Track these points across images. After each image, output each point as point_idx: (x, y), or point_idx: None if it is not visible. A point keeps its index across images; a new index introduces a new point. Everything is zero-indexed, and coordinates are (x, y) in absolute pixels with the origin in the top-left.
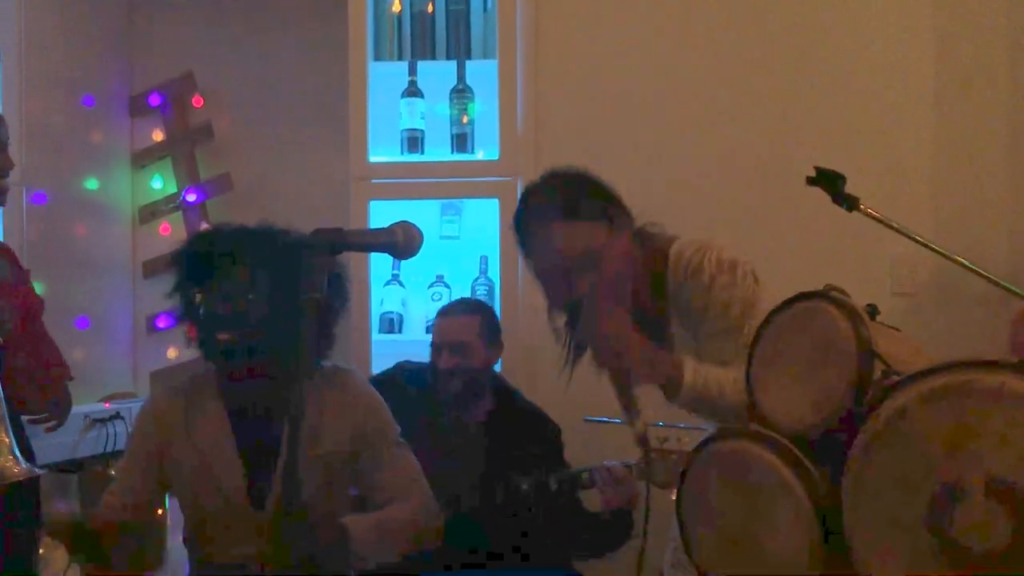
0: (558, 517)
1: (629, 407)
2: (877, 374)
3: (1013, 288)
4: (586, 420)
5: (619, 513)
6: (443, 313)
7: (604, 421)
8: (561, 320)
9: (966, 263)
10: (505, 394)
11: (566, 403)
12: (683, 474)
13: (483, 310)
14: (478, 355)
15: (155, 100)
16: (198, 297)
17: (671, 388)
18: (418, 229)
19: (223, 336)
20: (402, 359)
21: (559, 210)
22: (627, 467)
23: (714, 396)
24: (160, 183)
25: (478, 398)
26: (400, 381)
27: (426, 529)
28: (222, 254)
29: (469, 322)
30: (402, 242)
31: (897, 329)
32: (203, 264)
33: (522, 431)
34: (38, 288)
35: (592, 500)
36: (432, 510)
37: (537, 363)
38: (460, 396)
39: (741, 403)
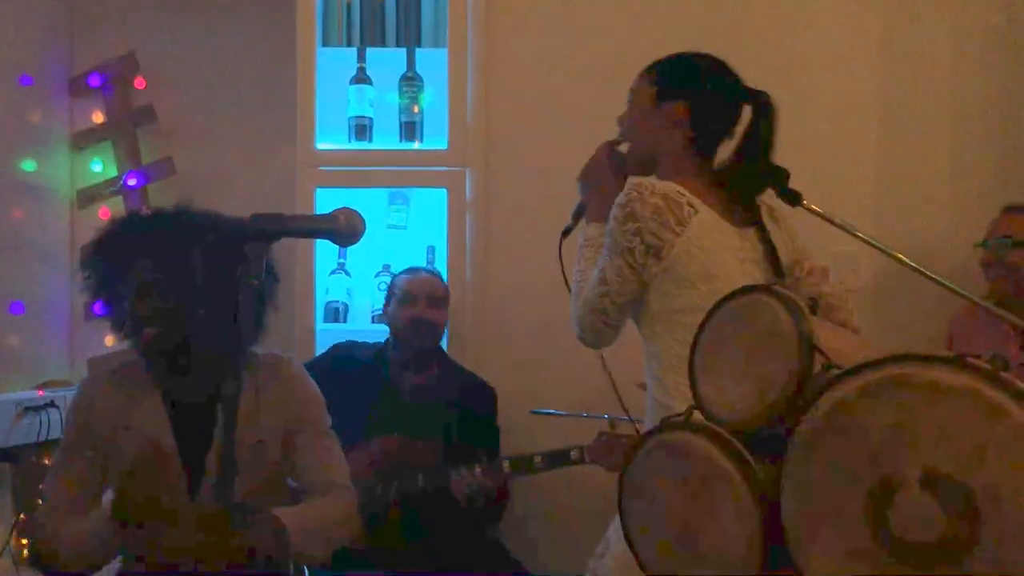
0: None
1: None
2: (818, 367)
3: (952, 286)
4: (533, 413)
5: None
6: (410, 271)
7: (550, 413)
8: None
9: (907, 261)
10: (447, 361)
11: (515, 395)
12: (624, 465)
13: (439, 273)
14: (444, 312)
15: (95, 81)
16: (119, 289)
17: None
18: (360, 216)
19: (150, 331)
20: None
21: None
22: (577, 448)
23: (576, 258)
24: (100, 166)
25: (431, 360)
26: (341, 358)
27: (351, 524)
28: (146, 241)
29: (437, 280)
30: (344, 228)
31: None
32: (125, 253)
33: (464, 394)
34: None
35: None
36: (354, 505)
37: (485, 354)
38: (426, 351)
39: (573, 284)
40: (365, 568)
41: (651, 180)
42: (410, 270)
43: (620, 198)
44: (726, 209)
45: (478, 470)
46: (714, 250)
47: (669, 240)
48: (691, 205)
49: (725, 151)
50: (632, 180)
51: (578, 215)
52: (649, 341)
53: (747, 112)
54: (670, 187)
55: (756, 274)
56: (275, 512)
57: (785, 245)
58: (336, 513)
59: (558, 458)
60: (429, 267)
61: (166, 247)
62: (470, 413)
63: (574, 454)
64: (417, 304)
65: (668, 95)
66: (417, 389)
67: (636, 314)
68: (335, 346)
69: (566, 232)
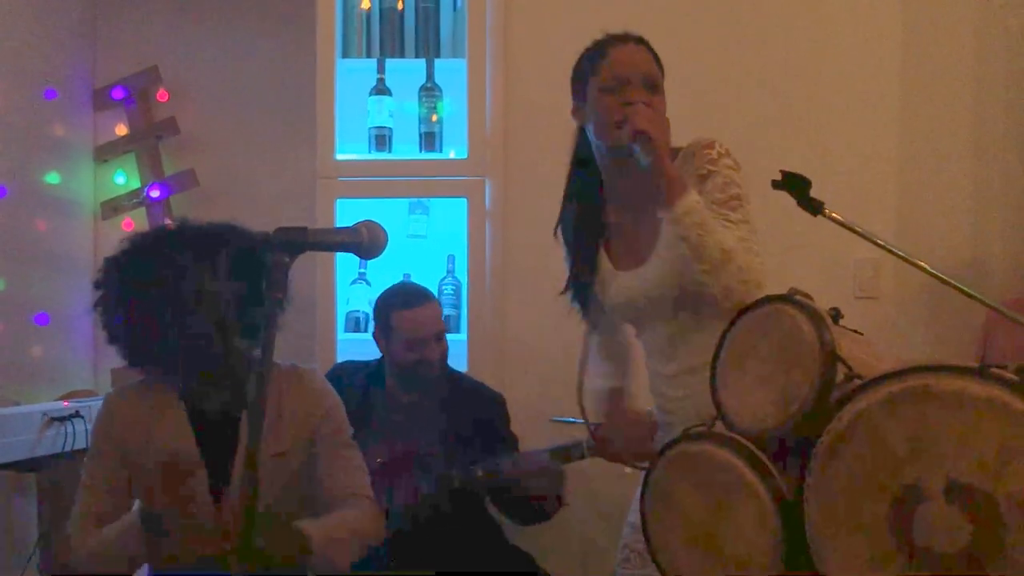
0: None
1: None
2: (840, 377)
3: (974, 293)
4: (553, 421)
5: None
6: (409, 304)
7: (571, 422)
8: None
9: (929, 268)
10: (449, 373)
11: (534, 404)
12: (646, 476)
13: (432, 294)
14: (445, 339)
15: (119, 94)
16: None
17: (673, 192)
18: (383, 228)
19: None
20: (366, 358)
21: (640, 39)
22: (579, 444)
23: (708, 223)
24: (123, 178)
25: (432, 386)
26: (347, 378)
27: (373, 535)
28: (179, 258)
29: (437, 309)
30: (367, 241)
31: (860, 333)
32: (161, 267)
33: (472, 407)
34: None
35: None
36: (377, 514)
37: (505, 363)
38: (436, 381)
39: (731, 247)
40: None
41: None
42: (403, 302)
43: (718, 148)
44: None
45: (479, 472)
46: None
47: None
48: None
49: None
50: (699, 139)
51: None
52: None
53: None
54: None
55: None
56: (298, 523)
57: None
58: (358, 523)
59: (560, 454)
60: (422, 290)
61: (203, 262)
62: (476, 421)
63: (574, 451)
64: (426, 346)
65: (662, 78)
66: (417, 403)
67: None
68: (339, 366)
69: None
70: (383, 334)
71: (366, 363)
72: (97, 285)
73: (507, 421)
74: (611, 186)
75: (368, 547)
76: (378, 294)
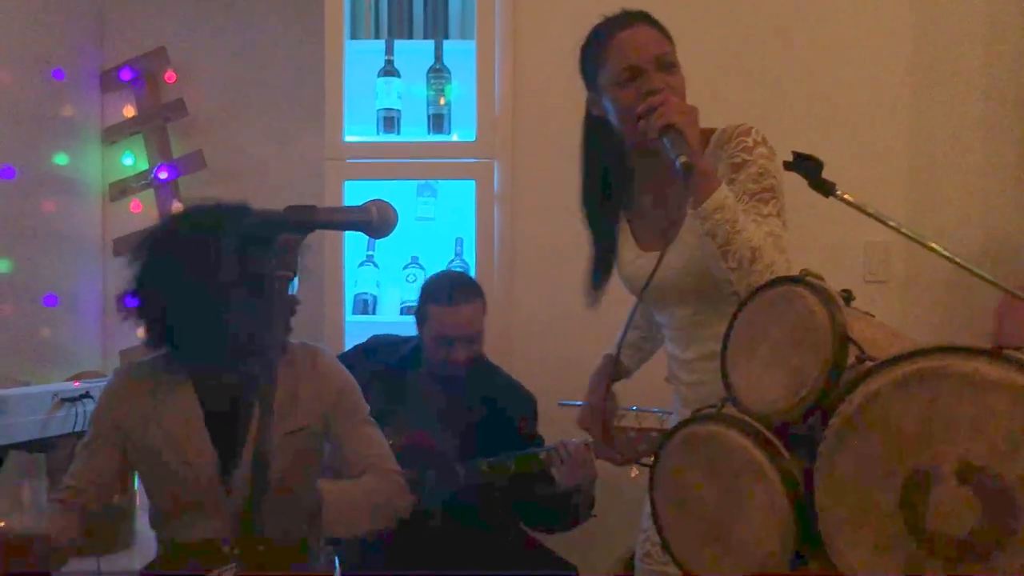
0: (519, 493)
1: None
2: (851, 359)
3: (986, 275)
4: (561, 404)
5: (577, 489)
6: (450, 302)
7: (579, 405)
8: None
9: (940, 249)
10: (483, 364)
11: (540, 388)
12: (655, 458)
13: (481, 291)
14: (482, 339)
15: (127, 75)
16: (177, 285)
17: (704, 188)
18: (393, 208)
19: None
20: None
21: (650, 19)
22: (585, 444)
23: (738, 220)
24: (131, 160)
25: (465, 377)
26: (383, 352)
27: (396, 502)
28: (208, 236)
29: (477, 310)
30: (376, 220)
31: (871, 315)
32: (196, 246)
33: (503, 404)
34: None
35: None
36: (400, 484)
37: (513, 346)
38: (454, 383)
39: (759, 245)
40: (400, 561)
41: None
42: (441, 297)
43: (754, 136)
44: None
45: (484, 466)
46: None
47: None
48: None
49: None
50: (740, 123)
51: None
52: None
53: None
54: None
55: None
56: (321, 484)
57: None
58: (378, 489)
59: (531, 463)
60: (467, 286)
61: (226, 239)
62: (505, 419)
63: (543, 457)
64: (455, 347)
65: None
66: (448, 395)
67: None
68: (359, 347)
69: (689, 169)
70: (420, 322)
71: (406, 339)
72: (132, 261)
73: (535, 421)
74: (635, 167)
75: (394, 518)
76: (389, 275)
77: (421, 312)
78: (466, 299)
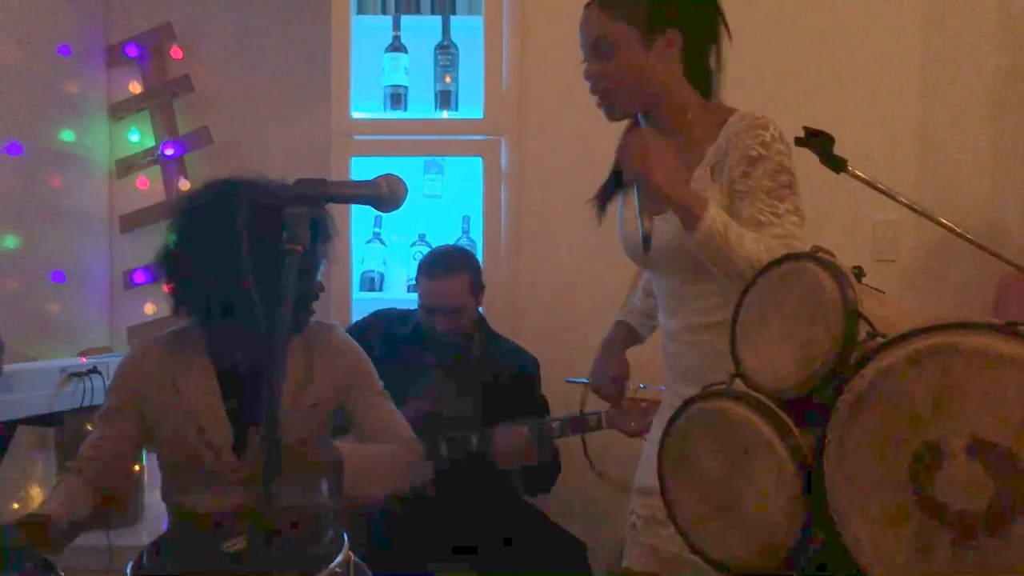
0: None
1: (641, 211)
2: (862, 335)
3: (996, 251)
4: (568, 382)
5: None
6: (431, 275)
7: (585, 383)
8: None
9: (951, 226)
10: (487, 331)
11: (547, 364)
12: (665, 433)
13: (470, 264)
14: (470, 312)
15: (132, 51)
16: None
17: (688, 220)
18: (403, 182)
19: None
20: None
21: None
22: (596, 415)
23: (732, 243)
24: (137, 136)
25: (467, 344)
26: (394, 324)
27: (413, 466)
28: (243, 208)
29: (460, 283)
30: (386, 194)
31: (882, 291)
32: (221, 217)
33: (506, 366)
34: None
35: None
36: (417, 450)
37: (520, 324)
38: (452, 348)
39: (759, 258)
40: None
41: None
42: (433, 269)
43: (772, 131)
44: None
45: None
46: None
47: None
48: None
49: None
50: (758, 114)
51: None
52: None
53: None
54: None
55: None
56: (340, 445)
57: None
58: (395, 454)
59: (577, 424)
60: (456, 258)
61: (244, 212)
62: (511, 383)
63: (592, 420)
64: (434, 316)
65: (658, 28)
66: (456, 361)
67: None
68: (372, 315)
69: (648, 241)
70: (417, 292)
71: (412, 312)
72: (170, 226)
73: (539, 385)
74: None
75: (411, 482)
76: (395, 253)
77: (417, 282)
78: (448, 273)
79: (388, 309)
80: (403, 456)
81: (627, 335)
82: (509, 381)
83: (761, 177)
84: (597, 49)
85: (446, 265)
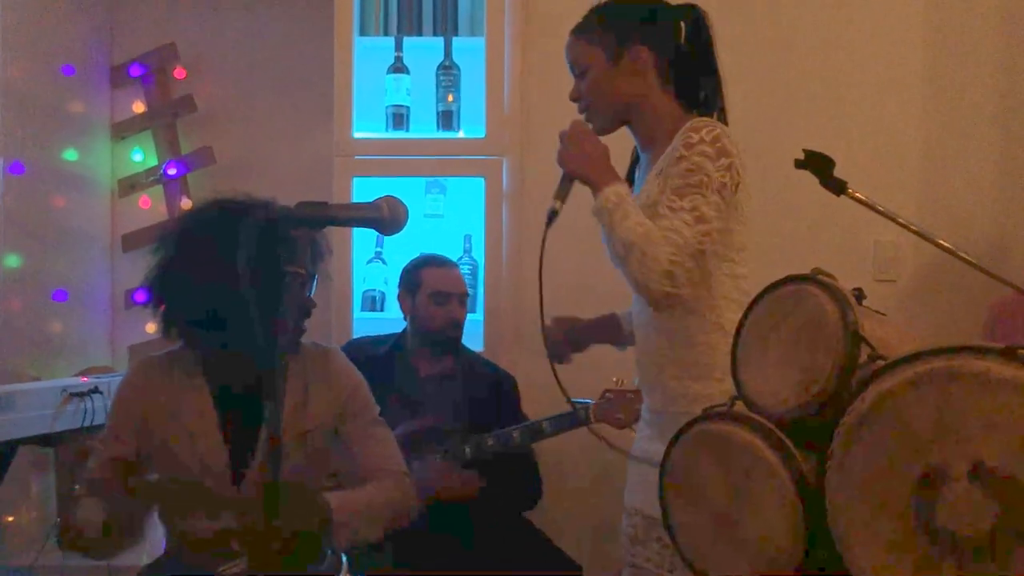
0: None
1: (557, 192)
2: (863, 358)
3: (997, 275)
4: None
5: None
6: (440, 263)
7: (585, 403)
8: None
9: (952, 248)
10: (463, 349)
11: (549, 384)
12: (665, 456)
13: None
14: (466, 309)
15: (136, 71)
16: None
17: (593, 189)
18: (404, 204)
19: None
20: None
21: (579, 26)
22: (585, 405)
23: (615, 222)
24: (140, 156)
25: (453, 350)
26: (367, 350)
27: (403, 507)
28: (235, 229)
29: (461, 275)
30: (387, 217)
31: (883, 314)
32: (220, 237)
33: (483, 383)
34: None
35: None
36: (407, 486)
37: (521, 344)
38: (450, 344)
39: (633, 242)
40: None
41: (710, 119)
42: (434, 262)
43: (703, 134)
44: None
45: (489, 441)
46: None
47: (742, 175)
48: None
49: None
50: (700, 120)
51: (563, 196)
52: (699, 283)
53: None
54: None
55: None
56: (328, 497)
57: None
58: (386, 495)
59: (566, 420)
60: (447, 258)
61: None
62: (491, 399)
63: (580, 414)
64: (450, 303)
65: (624, 45)
66: (437, 379)
67: None
68: (348, 344)
69: (553, 216)
70: (409, 292)
71: (386, 336)
72: (157, 249)
73: (519, 399)
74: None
75: (403, 519)
76: (397, 272)
77: (413, 281)
78: (450, 263)
79: (360, 337)
80: (393, 498)
81: (608, 319)
82: (491, 394)
83: (674, 175)
84: (574, 71)
85: (447, 258)
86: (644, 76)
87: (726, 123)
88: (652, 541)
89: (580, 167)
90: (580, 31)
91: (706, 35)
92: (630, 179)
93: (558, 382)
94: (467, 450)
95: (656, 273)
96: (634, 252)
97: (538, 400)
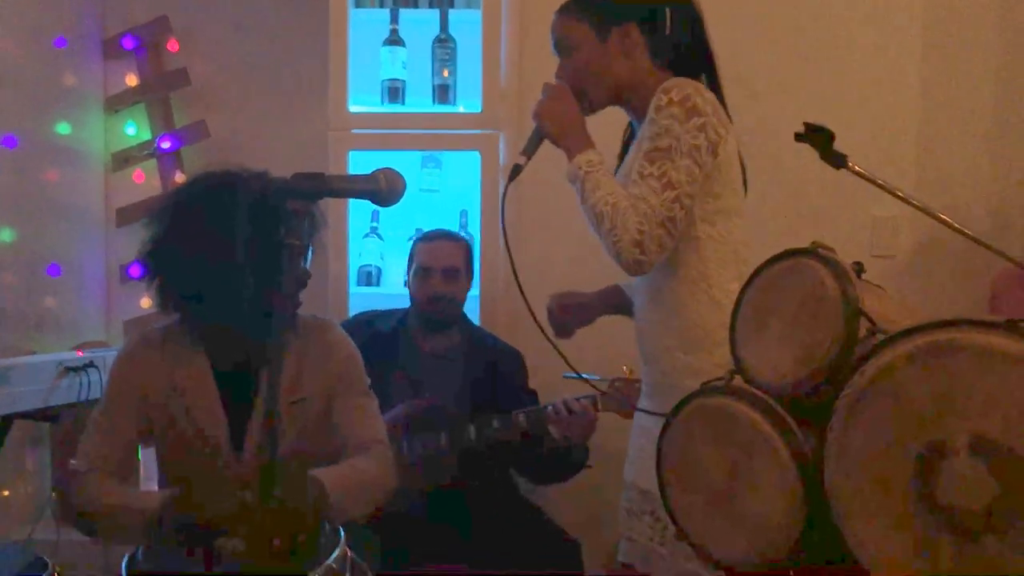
0: (522, 448)
1: (526, 150)
2: (863, 332)
3: (996, 248)
4: (565, 377)
5: (575, 444)
6: (429, 238)
7: (581, 377)
8: None
9: (951, 222)
10: (470, 326)
11: (547, 360)
12: (663, 431)
13: (463, 239)
14: (462, 283)
15: (129, 43)
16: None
17: (567, 155)
18: (401, 176)
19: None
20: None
21: (565, 5)
22: (590, 398)
23: (587, 188)
24: (134, 129)
25: (452, 328)
26: (377, 323)
27: (384, 481)
28: (228, 202)
29: (456, 248)
30: (384, 188)
31: (882, 288)
32: (213, 210)
33: (489, 359)
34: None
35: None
36: (388, 459)
37: (518, 318)
38: (441, 322)
39: (602, 211)
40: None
41: (686, 78)
42: (430, 235)
43: (672, 95)
44: None
45: (495, 423)
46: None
47: (723, 136)
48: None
49: None
50: (672, 80)
51: (530, 152)
52: (687, 250)
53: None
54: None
55: None
56: (314, 472)
57: None
58: (371, 470)
59: (538, 417)
60: (452, 232)
61: (240, 206)
62: (496, 377)
63: (550, 411)
64: (432, 277)
65: (610, 23)
66: (440, 357)
67: None
68: (356, 317)
69: (516, 172)
70: (408, 268)
71: (392, 312)
72: (151, 222)
73: (526, 376)
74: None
75: (385, 496)
76: (393, 247)
77: (409, 257)
78: (446, 238)
79: (371, 310)
80: (374, 473)
81: (612, 290)
82: (495, 377)
83: (642, 139)
84: (560, 50)
85: (445, 232)
86: (634, 54)
87: (722, 98)
88: (645, 514)
89: (553, 126)
90: (566, 10)
91: (695, 10)
92: (624, 151)
93: (564, 358)
94: (471, 430)
95: (625, 242)
96: (604, 222)
97: (535, 376)
